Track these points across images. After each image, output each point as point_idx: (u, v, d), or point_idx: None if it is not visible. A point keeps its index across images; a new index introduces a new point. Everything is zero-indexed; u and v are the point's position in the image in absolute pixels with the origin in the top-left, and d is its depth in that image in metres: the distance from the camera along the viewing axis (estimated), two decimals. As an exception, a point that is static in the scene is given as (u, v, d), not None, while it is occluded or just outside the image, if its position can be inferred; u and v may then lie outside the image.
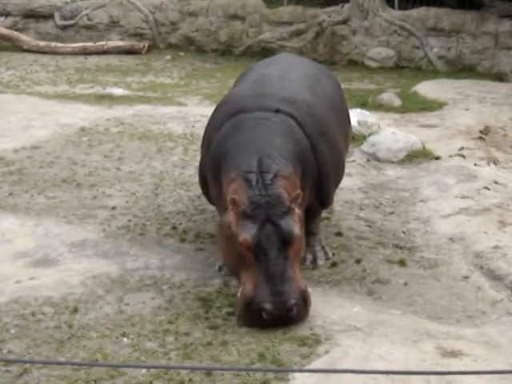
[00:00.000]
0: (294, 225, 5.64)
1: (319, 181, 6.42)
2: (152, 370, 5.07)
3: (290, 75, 6.91)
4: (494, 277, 6.52)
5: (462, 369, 5.02)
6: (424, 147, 9.67)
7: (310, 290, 5.73)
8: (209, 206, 7.33)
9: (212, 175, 6.29)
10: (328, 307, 5.96)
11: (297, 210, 5.76)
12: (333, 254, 6.88)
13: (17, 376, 5.04)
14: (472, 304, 6.18)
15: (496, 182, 8.50)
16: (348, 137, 7.47)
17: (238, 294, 5.69)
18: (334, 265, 6.74)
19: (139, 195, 8.28)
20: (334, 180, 6.72)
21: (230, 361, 5.23)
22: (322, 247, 6.84)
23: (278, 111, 6.28)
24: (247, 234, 5.56)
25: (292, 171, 5.95)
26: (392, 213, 7.94)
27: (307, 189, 6.27)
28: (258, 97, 6.45)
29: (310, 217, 6.67)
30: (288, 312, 5.50)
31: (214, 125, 6.52)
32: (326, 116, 6.65)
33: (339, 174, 6.92)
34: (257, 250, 5.55)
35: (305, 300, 5.61)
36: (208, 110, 10.46)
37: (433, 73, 15.18)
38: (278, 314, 5.47)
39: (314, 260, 6.73)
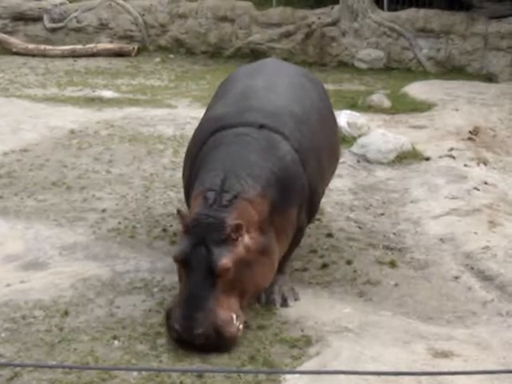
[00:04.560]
0: (225, 255, 5.30)
1: (308, 197, 6.09)
2: (143, 372, 5.07)
3: (276, 87, 6.60)
4: (484, 277, 6.53)
5: (453, 369, 5.03)
6: (414, 148, 9.69)
7: (240, 327, 5.41)
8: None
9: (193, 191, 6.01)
10: (319, 308, 5.96)
11: (246, 240, 5.42)
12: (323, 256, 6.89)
13: (7, 380, 5.03)
14: (462, 304, 6.20)
15: (486, 183, 8.53)
16: (335, 147, 7.07)
17: None
18: (324, 266, 6.75)
19: (129, 198, 8.27)
20: (321, 195, 6.49)
21: (221, 363, 5.23)
22: (291, 288, 6.22)
23: (261, 127, 5.97)
24: (179, 248, 5.43)
25: (259, 193, 5.59)
26: (382, 214, 7.95)
27: (291, 209, 5.89)
28: (242, 112, 6.17)
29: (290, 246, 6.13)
30: (194, 339, 5.27)
31: (197, 142, 6.26)
32: (314, 129, 6.38)
33: (324, 188, 6.71)
34: (185, 267, 5.38)
35: (219, 334, 5.27)
36: (198, 112, 10.51)
37: (422, 74, 15.22)
38: (183, 338, 5.31)
39: (285, 301, 6.07)
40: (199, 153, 6.10)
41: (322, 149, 6.41)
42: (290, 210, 5.87)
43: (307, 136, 6.20)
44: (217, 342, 5.30)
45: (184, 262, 5.38)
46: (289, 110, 6.29)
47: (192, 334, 5.26)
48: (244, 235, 5.42)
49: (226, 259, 5.29)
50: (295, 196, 5.91)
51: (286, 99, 6.45)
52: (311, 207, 6.21)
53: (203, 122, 6.58)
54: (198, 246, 5.34)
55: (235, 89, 6.73)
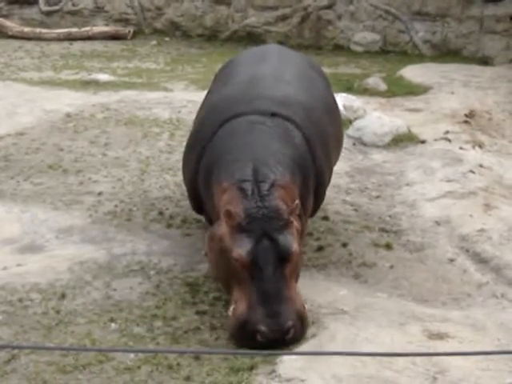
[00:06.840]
0: (292, 240, 5.19)
1: (316, 187, 6.05)
2: (140, 354, 5.09)
3: (284, 75, 6.53)
4: (480, 260, 6.56)
5: (448, 350, 5.06)
6: (409, 131, 9.69)
7: (306, 306, 5.44)
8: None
9: (203, 184, 5.90)
10: (315, 291, 5.98)
11: (295, 223, 5.33)
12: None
13: (5, 362, 5.05)
14: (458, 287, 6.23)
15: (481, 166, 8.54)
16: (340, 136, 7.08)
17: (230, 313, 5.27)
18: (320, 249, 6.77)
19: (125, 181, 8.27)
20: (327, 186, 6.46)
21: (218, 345, 5.25)
22: None
23: (274, 115, 5.88)
24: (242, 249, 5.12)
25: (290, 180, 5.52)
26: (378, 197, 7.97)
27: (310, 196, 5.90)
28: (252, 100, 6.04)
29: None
30: (285, 334, 5.06)
31: (207, 132, 6.04)
32: (322, 119, 6.34)
33: (330, 177, 6.67)
34: (252, 266, 5.10)
35: (302, 320, 5.21)
36: (194, 95, 10.53)
37: (418, 57, 15.19)
38: (273, 337, 5.03)
39: None
40: (208, 144, 5.94)
41: (328, 138, 6.38)
42: (309, 197, 5.88)
43: (316, 125, 6.16)
44: (301, 330, 5.22)
45: (251, 262, 5.14)
46: (298, 99, 6.24)
47: (282, 329, 5.07)
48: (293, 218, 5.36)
49: (294, 244, 5.21)
50: (310, 183, 5.89)
51: (295, 88, 6.40)
52: (318, 197, 6.16)
53: (210, 111, 6.39)
54: (261, 239, 5.15)
55: (240, 76, 6.62)
